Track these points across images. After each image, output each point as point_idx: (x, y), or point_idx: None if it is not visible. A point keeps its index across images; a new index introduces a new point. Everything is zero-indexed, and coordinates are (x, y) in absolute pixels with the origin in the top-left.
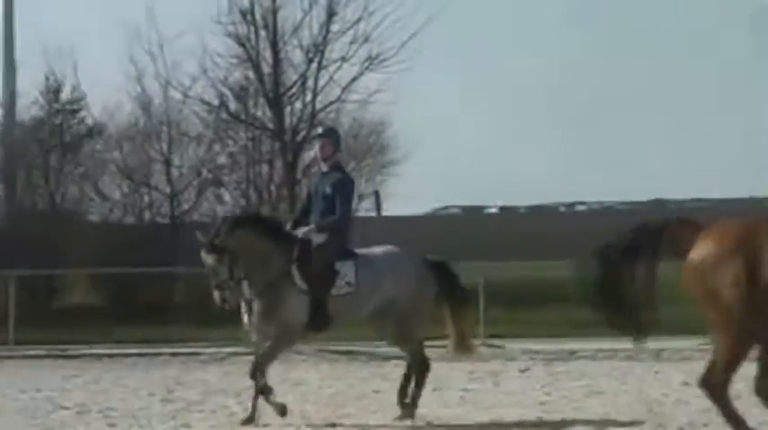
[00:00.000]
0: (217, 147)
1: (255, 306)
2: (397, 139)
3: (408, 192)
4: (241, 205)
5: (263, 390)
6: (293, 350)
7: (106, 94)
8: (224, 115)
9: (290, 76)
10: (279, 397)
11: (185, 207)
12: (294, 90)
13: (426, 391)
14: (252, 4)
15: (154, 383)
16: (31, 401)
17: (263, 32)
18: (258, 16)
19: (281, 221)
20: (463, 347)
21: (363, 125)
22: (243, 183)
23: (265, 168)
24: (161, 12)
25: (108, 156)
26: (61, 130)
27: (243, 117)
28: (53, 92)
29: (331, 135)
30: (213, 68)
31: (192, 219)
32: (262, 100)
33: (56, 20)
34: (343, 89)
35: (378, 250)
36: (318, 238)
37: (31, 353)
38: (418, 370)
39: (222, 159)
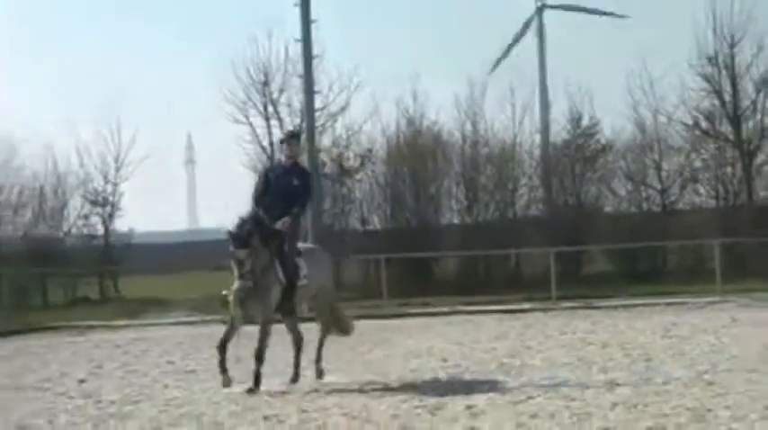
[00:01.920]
0: (693, 155)
1: (251, 293)
2: None
3: None
4: (712, 195)
5: (258, 376)
6: None
7: (613, 120)
8: (697, 132)
9: (745, 102)
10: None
11: (672, 198)
12: (748, 112)
13: None
14: (716, 52)
15: (655, 325)
16: (569, 340)
17: (724, 71)
18: (720, 60)
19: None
20: (342, 326)
21: None
22: (713, 181)
23: (729, 169)
24: (650, 59)
25: (616, 165)
26: (583, 148)
27: (711, 133)
28: (576, 120)
29: (298, 138)
30: (689, 99)
31: (677, 207)
32: (725, 120)
33: (575, 68)
34: None
35: (306, 246)
36: (285, 231)
37: (567, 305)
38: (323, 335)
39: (697, 164)
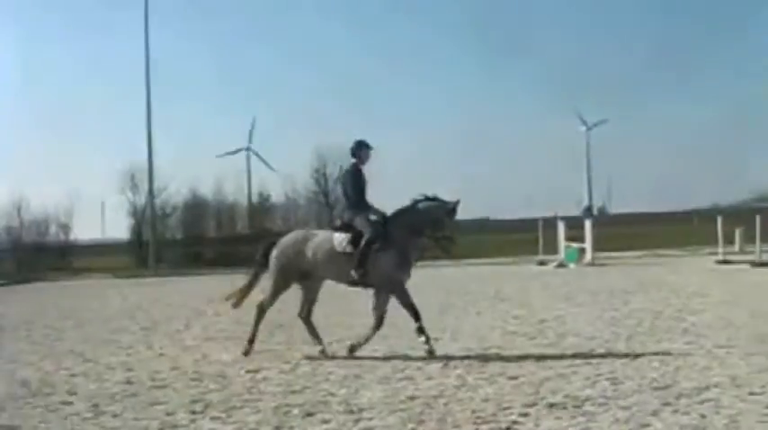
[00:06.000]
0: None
1: None
2: None
3: None
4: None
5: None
6: None
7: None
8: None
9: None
10: None
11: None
12: (332, 195)
13: None
14: (319, 168)
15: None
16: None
17: (323, 177)
18: (322, 172)
19: None
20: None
21: None
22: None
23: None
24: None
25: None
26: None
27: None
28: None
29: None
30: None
31: None
32: (322, 196)
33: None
34: None
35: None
36: None
37: None
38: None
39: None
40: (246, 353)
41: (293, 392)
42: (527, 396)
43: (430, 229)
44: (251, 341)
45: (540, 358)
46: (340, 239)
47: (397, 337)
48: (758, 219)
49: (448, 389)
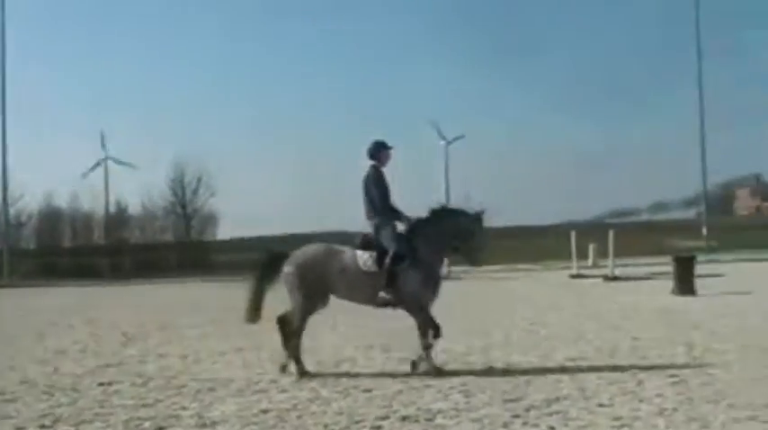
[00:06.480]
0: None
1: None
2: None
3: None
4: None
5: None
6: None
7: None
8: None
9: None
10: None
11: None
12: (190, 207)
13: None
14: (176, 178)
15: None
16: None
17: (180, 189)
18: (179, 181)
19: None
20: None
21: None
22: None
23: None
24: None
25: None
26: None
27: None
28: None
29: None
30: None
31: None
32: (179, 206)
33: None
34: None
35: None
36: None
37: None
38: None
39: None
40: (301, 374)
41: (145, 406)
42: (380, 408)
43: (460, 241)
44: (296, 361)
45: (394, 371)
46: (364, 259)
47: (252, 350)
48: (611, 234)
49: (301, 403)
